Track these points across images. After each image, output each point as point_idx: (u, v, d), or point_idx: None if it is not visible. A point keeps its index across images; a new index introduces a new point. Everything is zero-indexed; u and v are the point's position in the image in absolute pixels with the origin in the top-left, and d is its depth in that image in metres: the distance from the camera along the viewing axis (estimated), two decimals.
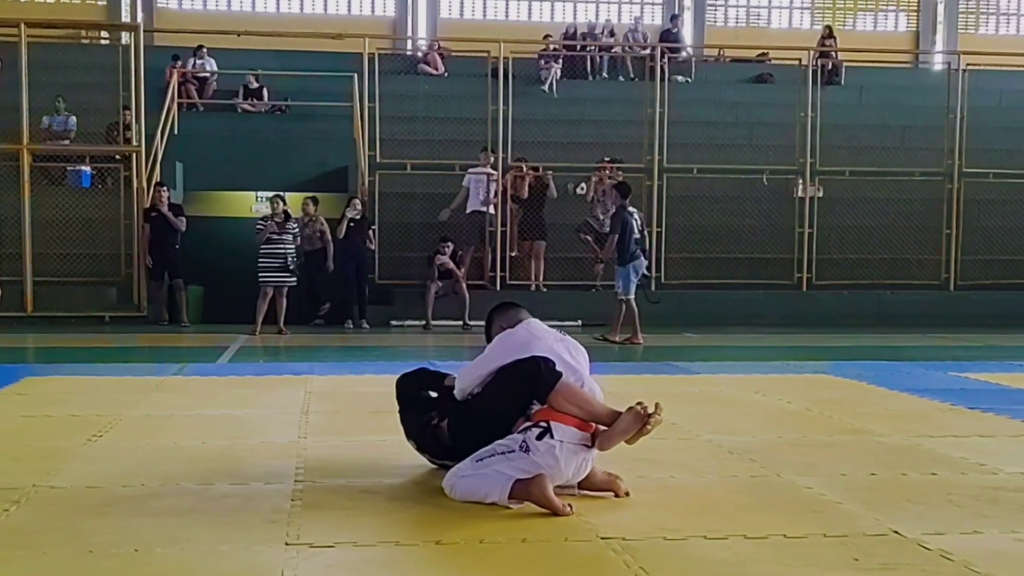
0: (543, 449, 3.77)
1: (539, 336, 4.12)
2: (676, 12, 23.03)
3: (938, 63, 22.62)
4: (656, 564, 3.17)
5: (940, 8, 24.90)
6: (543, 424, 3.81)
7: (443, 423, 4.22)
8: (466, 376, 4.17)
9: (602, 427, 3.87)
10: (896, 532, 3.53)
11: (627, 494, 4.00)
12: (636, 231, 11.39)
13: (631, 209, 11.58)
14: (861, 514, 3.78)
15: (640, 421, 3.78)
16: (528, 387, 3.90)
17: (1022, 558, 3.31)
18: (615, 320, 11.41)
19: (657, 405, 3.83)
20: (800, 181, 15.09)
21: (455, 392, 4.22)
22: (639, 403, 3.83)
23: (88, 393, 6.81)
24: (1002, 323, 13.85)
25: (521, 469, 3.77)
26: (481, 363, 4.13)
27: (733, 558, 3.25)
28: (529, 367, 3.91)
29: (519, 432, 3.86)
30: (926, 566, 3.19)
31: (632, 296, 11.40)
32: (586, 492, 3.98)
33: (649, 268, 12.36)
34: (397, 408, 4.57)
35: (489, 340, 4.33)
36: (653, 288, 13.16)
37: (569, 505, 3.72)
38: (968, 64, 16.22)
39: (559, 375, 3.88)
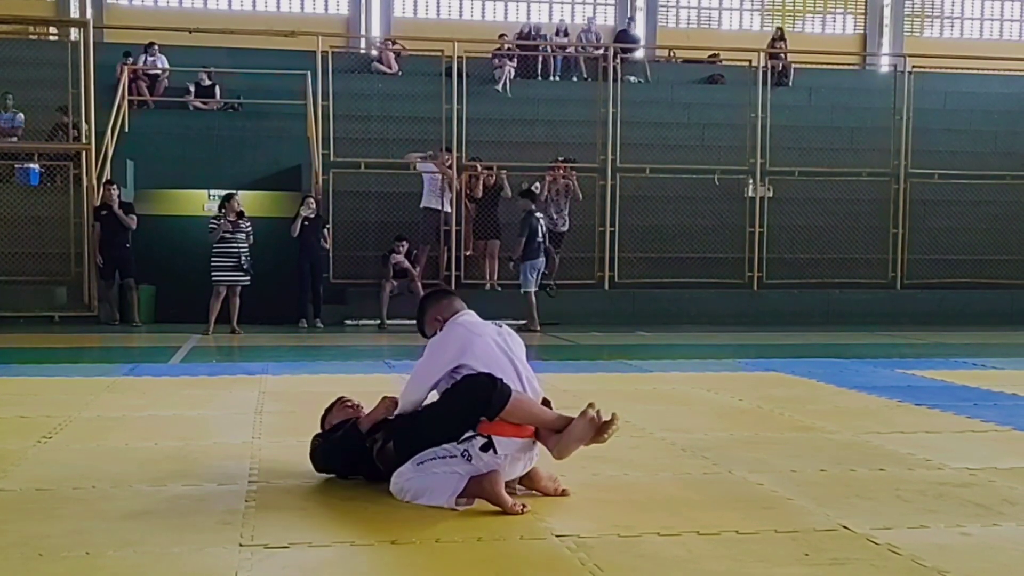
0: (487, 459, 3.74)
1: (478, 333, 4.00)
2: (630, 15, 23.18)
3: (885, 66, 22.94)
4: (610, 561, 3.20)
5: (886, 11, 25.29)
6: (485, 436, 3.76)
7: (388, 445, 4.04)
8: (413, 390, 4.04)
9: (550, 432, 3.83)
10: (845, 527, 3.59)
11: (564, 492, 3.98)
12: (540, 234, 12.75)
13: (538, 215, 12.92)
14: (811, 510, 3.84)
15: (594, 428, 3.76)
16: (480, 407, 3.77)
17: (967, 551, 3.38)
18: (531, 311, 12.73)
19: (614, 415, 3.79)
20: (751, 181, 15.25)
21: (400, 408, 4.07)
22: (591, 405, 3.79)
23: (38, 394, 6.72)
24: (947, 321, 14.12)
25: (467, 471, 3.75)
26: (424, 371, 4.01)
27: (686, 554, 3.29)
28: (481, 388, 3.77)
29: (462, 442, 3.79)
30: (875, 560, 3.25)
31: (532, 290, 12.73)
32: (524, 489, 3.97)
33: (585, 267, 12.82)
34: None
35: (422, 332, 4.22)
36: (606, 287, 13.91)
37: (524, 504, 3.73)
38: (914, 67, 16.50)
39: (509, 393, 3.76)
